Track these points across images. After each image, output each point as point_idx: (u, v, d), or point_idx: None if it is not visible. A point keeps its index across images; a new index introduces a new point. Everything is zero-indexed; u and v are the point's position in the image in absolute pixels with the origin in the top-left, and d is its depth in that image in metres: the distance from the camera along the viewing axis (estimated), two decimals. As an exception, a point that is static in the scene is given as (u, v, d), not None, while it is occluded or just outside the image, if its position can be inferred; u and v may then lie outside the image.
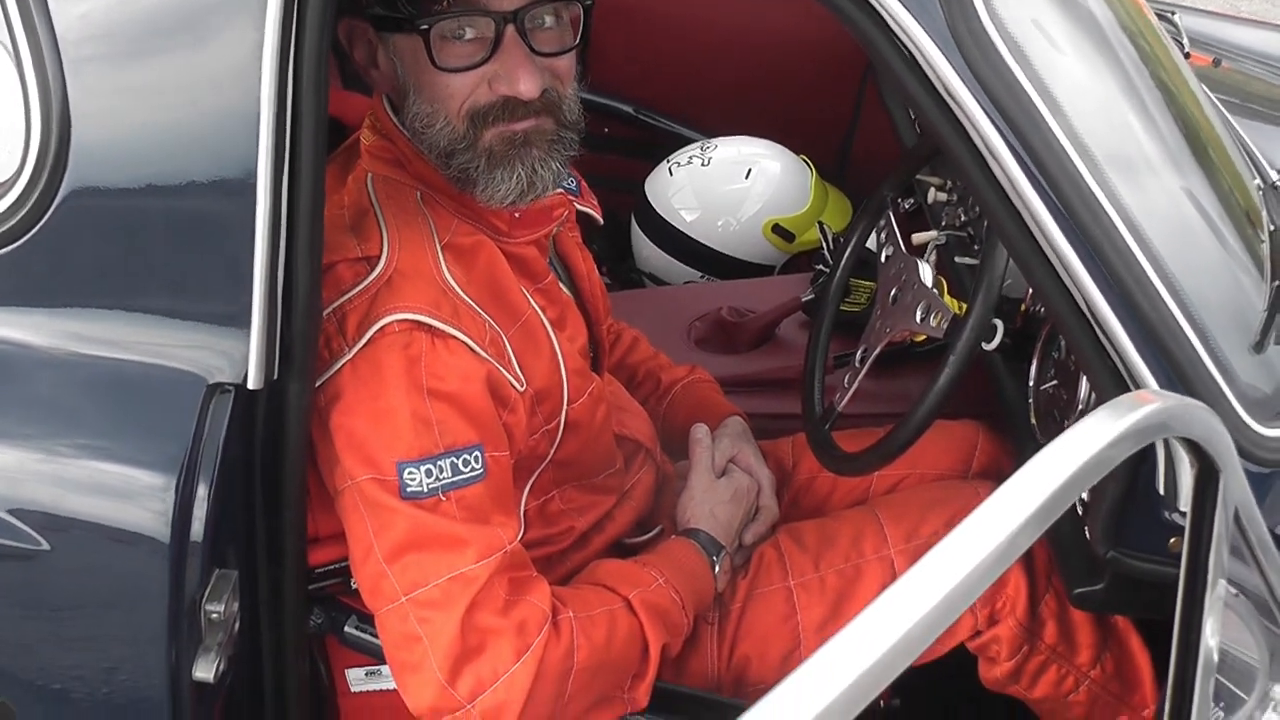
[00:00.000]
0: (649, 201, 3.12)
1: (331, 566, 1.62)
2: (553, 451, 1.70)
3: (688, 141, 3.28)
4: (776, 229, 3.03)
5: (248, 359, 1.35)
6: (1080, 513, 1.58)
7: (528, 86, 1.48)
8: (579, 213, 1.92)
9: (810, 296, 2.59)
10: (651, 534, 1.91)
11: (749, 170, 3.06)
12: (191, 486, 1.35)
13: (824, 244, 2.70)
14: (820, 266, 2.64)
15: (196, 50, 1.33)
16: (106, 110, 1.36)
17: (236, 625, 1.45)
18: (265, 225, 1.32)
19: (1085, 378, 1.61)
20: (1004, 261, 1.58)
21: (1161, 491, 1.39)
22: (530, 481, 1.71)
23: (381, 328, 1.46)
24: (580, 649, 1.53)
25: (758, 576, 1.85)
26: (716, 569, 1.78)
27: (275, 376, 1.38)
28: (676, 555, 1.76)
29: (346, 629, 1.66)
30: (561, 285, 1.78)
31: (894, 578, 1.79)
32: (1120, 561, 1.49)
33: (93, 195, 1.37)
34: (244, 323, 1.34)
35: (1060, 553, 1.65)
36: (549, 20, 1.50)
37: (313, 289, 1.38)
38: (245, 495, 1.44)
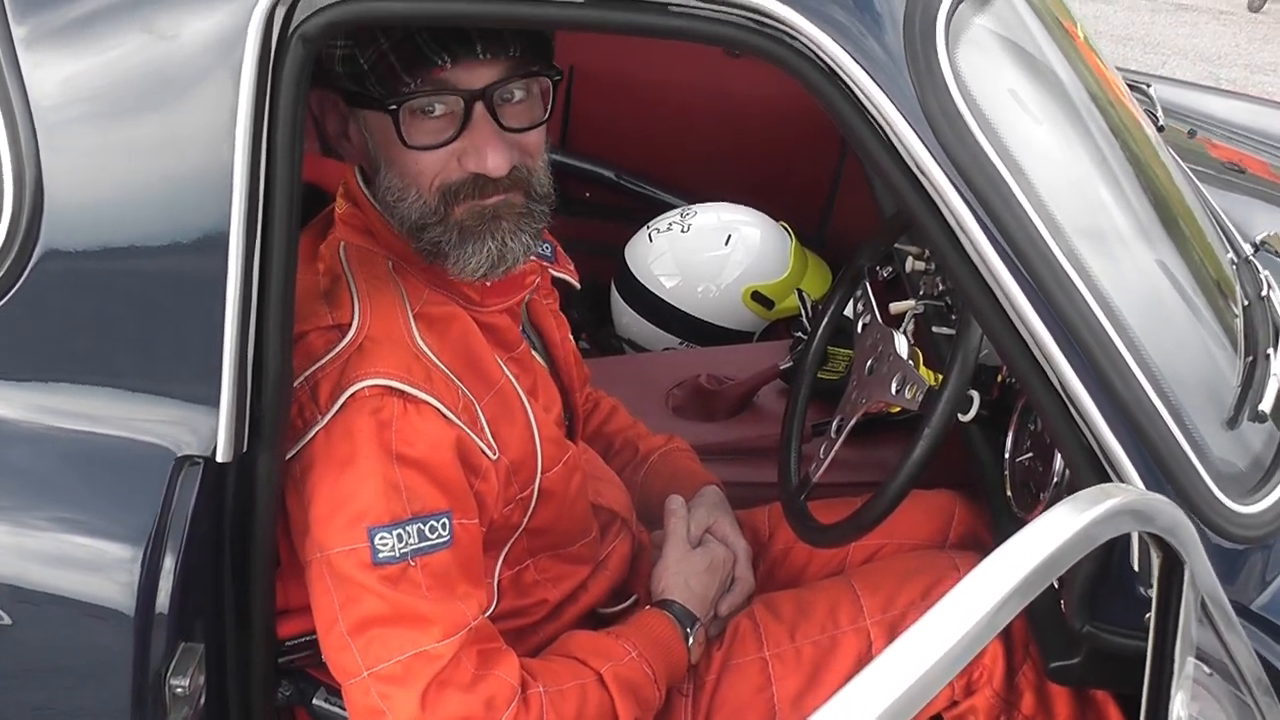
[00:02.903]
0: (629, 268, 3.12)
1: (301, 639, 1.60)
2: (526, 520, 1.69)
3: (668, 207, 3.29)
4: (756, 296, 3.04)
5: (217, 431, 1.34)
6: (1056, 586, 1.57)
7: (495, 164, 1.49)
8: (555, 279, 1.92)
9: (788, 364, 2.59)
10: (626, 604, 1.89)
11: (729, 237, 3.07)
12: (158, 559, 1.34)
13: (803, 311, 2.69)
14: (799, 334, 2.64)
15: (171, 113, 1.34)
16: (80, 175, 1.36)
17: (202, 699, 1.43)
18: (236, 295, 1.32)
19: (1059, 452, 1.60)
20: (979, 335, 1.58)
21: (1135, 568, 1.38)
22: (504, 551, 1.70)
23: (353, 394, 1.47)
24: None
25: (733, 647, 1.83)
26: (690, 640, 1.76)
27: (245, 449, 1.37)
28: (650, 627, 1.74)
29: (315, 701, 1.64)
30: (535, 354, 1.78)
31: (870, 648, 1.81)
32: (1096, 636, 1.48)
33: (65, 264, 1.37)
34: (214, 394, 1.34)
35: (1036, 626, 1.64)
36: (518, 94, 1.52)
37: (284, 360, 1.37)
38: (213, 567, 1.43)
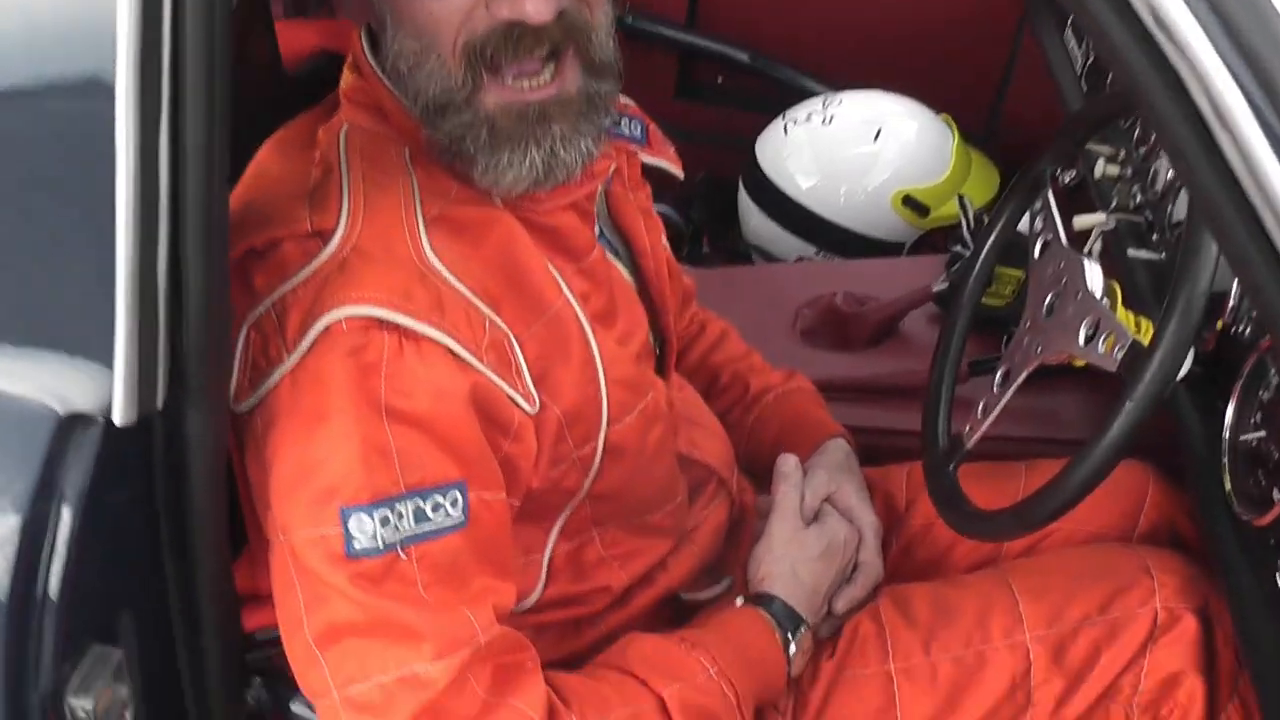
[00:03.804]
0: (759, 163, 2.88)
1: (275, 632, 1.25)
2: (588, 484, 1.35)
3: (810, 94, 3.04)
4: (908, 201, 2.78)
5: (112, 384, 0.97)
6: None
7: (536, 5, 1.14)
8: (647, 167, 1.56)
9: (944, 286, 2.24)
10: (719, 589, 1.55)
11: (879, 131, 2.81)
12: (37, 543, 0.98)
13: (964, 221, 2.36)
14: (958, 248, 2.31)
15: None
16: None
17: (129, 717, 1.09)
18: (131, 193, 0.92)
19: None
20: (1210, 273, 1.17)
21: None
22: (560, 521, 1.37)
23: (326, 327, 1.12)
24: None
25: (848, 656, 1.49)
26: (792, 649, 1.42)
27: (161, 405, 1.01)
28: (739, 633, 1.40)
29: (294, 707, 1.32)
30: (617, 263, 1.43)
31: (1028, 673, 1.40)
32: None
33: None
34: (106, 335, 0.96)
35: None
36: None
37: (210, 284, 0.99)
38: (140, 552, 1.09)
